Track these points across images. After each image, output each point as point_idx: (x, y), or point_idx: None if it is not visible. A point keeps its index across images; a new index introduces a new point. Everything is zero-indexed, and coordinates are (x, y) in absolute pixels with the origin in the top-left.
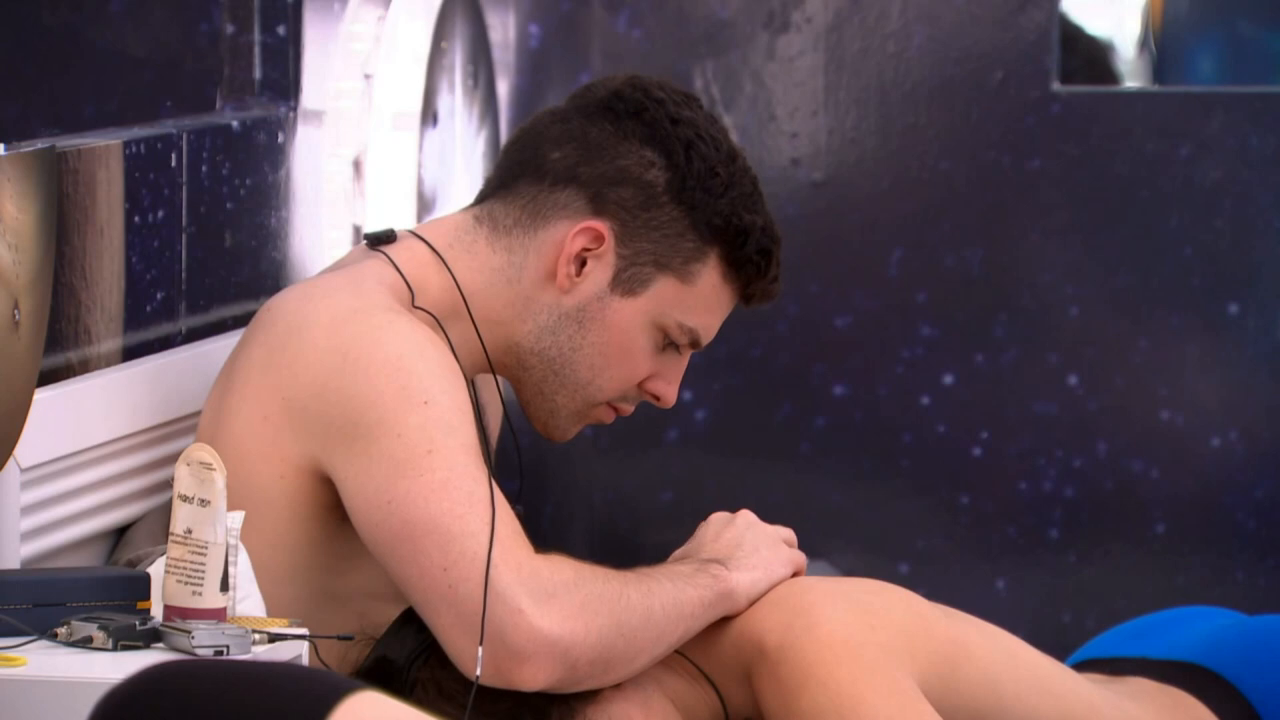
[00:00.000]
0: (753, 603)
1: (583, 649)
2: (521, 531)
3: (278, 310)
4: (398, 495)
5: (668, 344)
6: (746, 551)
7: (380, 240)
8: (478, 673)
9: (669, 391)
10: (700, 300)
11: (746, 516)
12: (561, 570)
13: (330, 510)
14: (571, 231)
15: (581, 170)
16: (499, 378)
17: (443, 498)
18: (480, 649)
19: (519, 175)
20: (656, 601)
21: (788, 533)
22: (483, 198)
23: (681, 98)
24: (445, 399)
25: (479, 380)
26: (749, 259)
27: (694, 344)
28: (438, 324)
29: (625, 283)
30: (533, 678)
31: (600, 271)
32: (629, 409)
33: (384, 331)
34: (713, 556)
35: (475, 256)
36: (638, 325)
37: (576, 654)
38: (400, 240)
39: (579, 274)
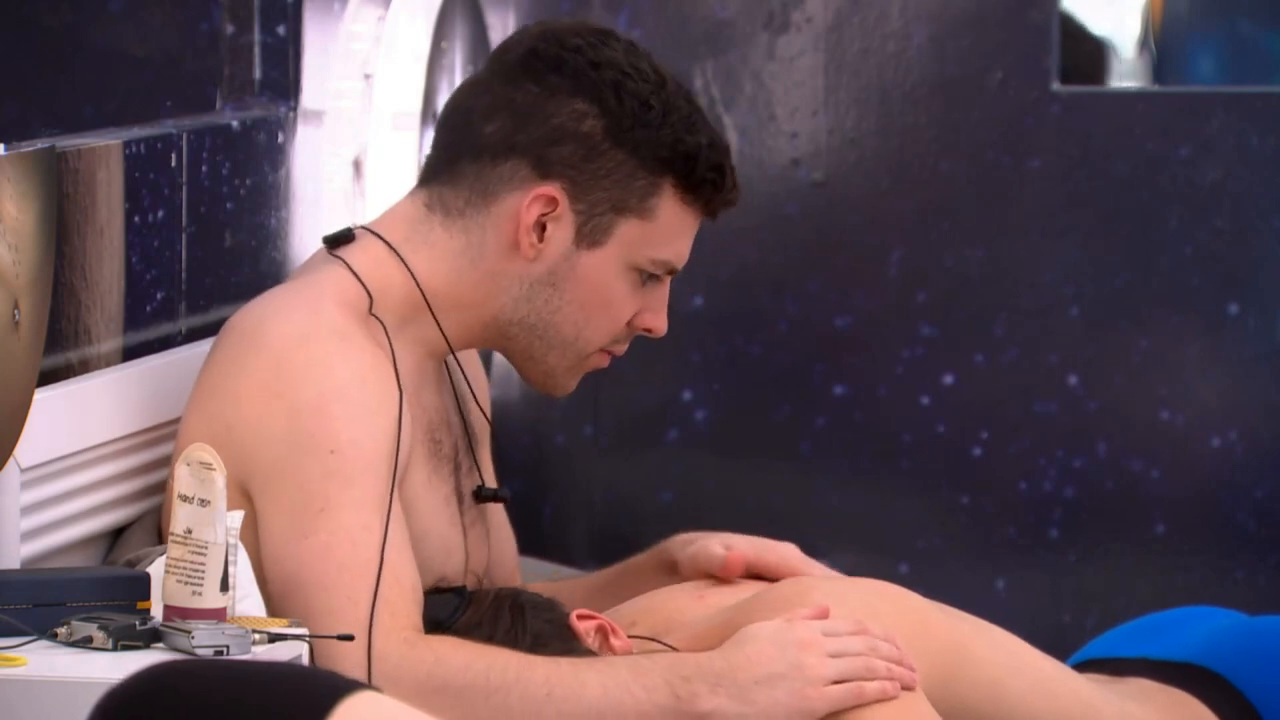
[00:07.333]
0: None
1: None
2: (405, 594)
3: (238, 330)
4: (288, 553)
5: (647, 279)
6: (760, 682)
7: (338, 241)
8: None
9: (658, 321)
10: (665, 231)
11: (808, 628)
12: (424, 657)
13: None
14: (524, 201)
15: (518, 138)
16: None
17: (327, 561)
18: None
19: (458, 155)
20: (553, 700)
21: (860, 642)
22: (425, 180)
23: (596, 38)
24: (352, 449)
25: (464, 356)
26: (703, 179)
27: (671, 272)
28: (385, 333)
29: (589, 235)
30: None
31: (562, 232)
32: (623, 348)
33: (317, 369)
34: (710, 671)
35: (433, 246)
36: (613, 272)
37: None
38: (358, 240)
39: (541, 240)
